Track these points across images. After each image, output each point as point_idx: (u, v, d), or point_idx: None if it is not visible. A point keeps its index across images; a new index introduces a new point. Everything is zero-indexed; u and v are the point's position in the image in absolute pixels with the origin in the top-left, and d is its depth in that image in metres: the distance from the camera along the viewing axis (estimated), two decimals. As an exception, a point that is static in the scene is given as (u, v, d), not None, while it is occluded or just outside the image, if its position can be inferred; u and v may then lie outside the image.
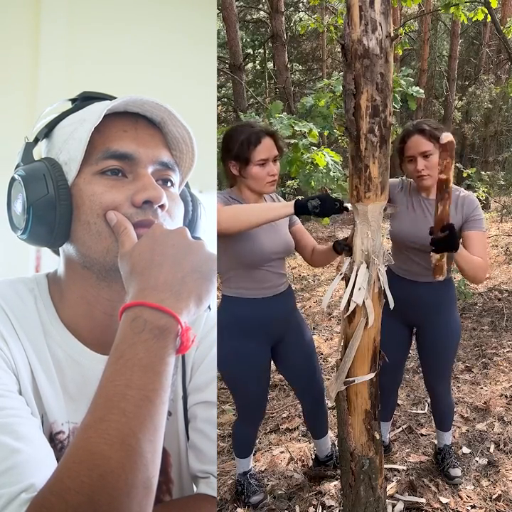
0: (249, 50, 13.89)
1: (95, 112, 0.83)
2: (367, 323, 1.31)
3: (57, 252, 0.92)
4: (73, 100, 0.92)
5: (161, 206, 0.84)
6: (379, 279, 1.30)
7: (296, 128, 3.00)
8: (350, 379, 1.35)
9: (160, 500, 0.89)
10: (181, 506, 0.85)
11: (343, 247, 1.41)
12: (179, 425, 0.93)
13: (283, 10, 8.30)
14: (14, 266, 2.02)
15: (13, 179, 0.85)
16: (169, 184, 0.89)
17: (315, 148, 3.08)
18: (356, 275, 1.28)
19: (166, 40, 2.17)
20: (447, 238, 1.41)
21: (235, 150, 1.62)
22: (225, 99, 12.55)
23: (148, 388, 0.64)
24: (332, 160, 3.00)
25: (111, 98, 0.91)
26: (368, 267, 1.27)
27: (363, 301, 1.28)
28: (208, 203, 1.08)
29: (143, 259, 0.74)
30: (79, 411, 0.78)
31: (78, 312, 0.88)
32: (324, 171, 2.97)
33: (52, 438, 0.85)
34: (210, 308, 0.79)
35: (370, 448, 1.40)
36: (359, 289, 1.27)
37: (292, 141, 3.04)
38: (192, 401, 0.92)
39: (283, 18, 8.40)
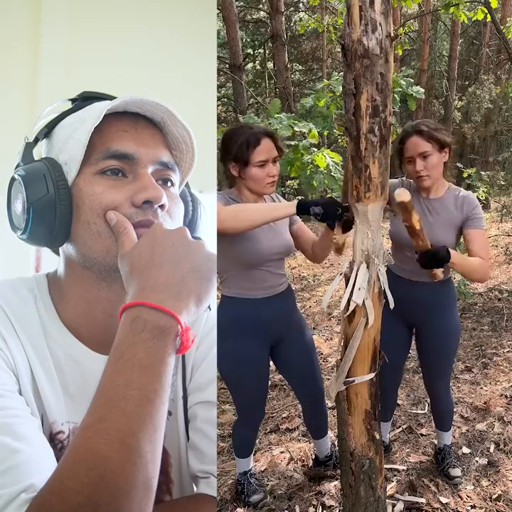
0: (249, 50, 13.90)
1: (95, 111, 0.82)
2: (367, 323, 1.31)
3: (57, 252, 0.92)
4: (73, 100, 0.92)
5: (161, 206, 0.84)
6: (379, 279, 1.30)
7: (295, 128, 2.99)
8: (350, 379, 1.35)
9: (160, 500, 0.89)
10: (181, 506, 0.85)
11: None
12: (179, 425, 0.93)
13: (283, 10, 8.31)
14: (14, 266, 2.02)
15: (13, 179, 0.85)
16: (169, 184, 0.89)
17: (315, 149, 3.07)
18: (356, 275, 1.28)
19: (166, 40, 2.17)
20: (428, 260, 1.52)
21: (234, 151, 1.62)
22: (225, 99, 12.56)
23: (148, 388, 0.64)
24: (332, 161, 3.00)
25: (111, 98, 0.91)
26: (368, 267, 1.27)
27: (363, 301, 1.28)
28: (208, 203, 1.08)
29: (143, 259, 0.74)
30: (79, 411, 0.78)
31: (78, 312, 0.88)
32: (325, 171, 2.96)
33: (52, 438, 0.85)
34: (210, 308, 0.79)
35: (370, 448, 1.40)
36: (359, 289, 1.27)
37: (292, 142, 3.03)
38: (192, 401, 0.92)
39: (283, 18, 8.40)
